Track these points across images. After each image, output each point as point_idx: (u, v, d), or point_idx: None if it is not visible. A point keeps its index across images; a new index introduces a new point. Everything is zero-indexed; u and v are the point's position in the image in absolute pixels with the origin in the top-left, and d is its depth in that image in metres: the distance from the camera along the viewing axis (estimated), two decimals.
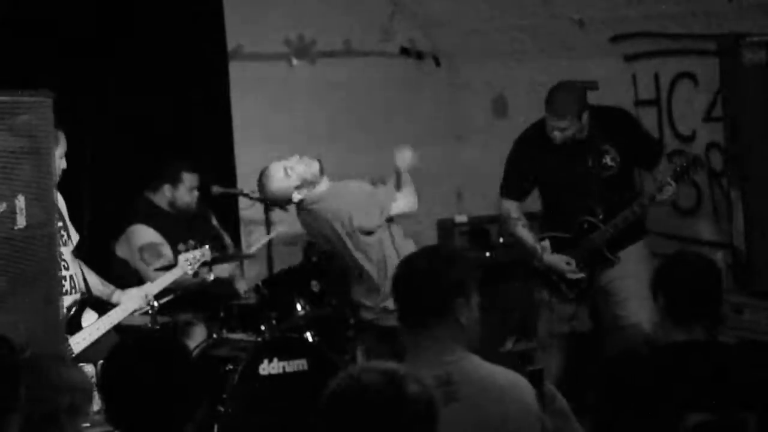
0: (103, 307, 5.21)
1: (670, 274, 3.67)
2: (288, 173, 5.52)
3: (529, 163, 5.97)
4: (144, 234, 6.20)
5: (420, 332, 3.10)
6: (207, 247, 5.69)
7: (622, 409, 2.99)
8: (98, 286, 5.29)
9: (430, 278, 3.11)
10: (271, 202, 5.75)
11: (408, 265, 3.21)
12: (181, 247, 5.93)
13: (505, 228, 6.26)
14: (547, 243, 5.91)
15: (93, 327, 5.01)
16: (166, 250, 6.12)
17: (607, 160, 5.83)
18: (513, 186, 6.04)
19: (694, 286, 3.60)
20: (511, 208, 6.02)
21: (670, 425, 3.20)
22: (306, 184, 5.54)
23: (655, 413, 3.06)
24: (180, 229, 6.17)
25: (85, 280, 5.12)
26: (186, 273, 5.55)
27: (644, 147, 5.97)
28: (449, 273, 3.11)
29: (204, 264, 5.91)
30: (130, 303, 5.22)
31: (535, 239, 5.94)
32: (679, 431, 3.18)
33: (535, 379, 3.08)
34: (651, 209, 5.96)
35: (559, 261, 5.86)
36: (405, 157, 5.62)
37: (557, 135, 5.79)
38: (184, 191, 6.36)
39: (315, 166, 5.56)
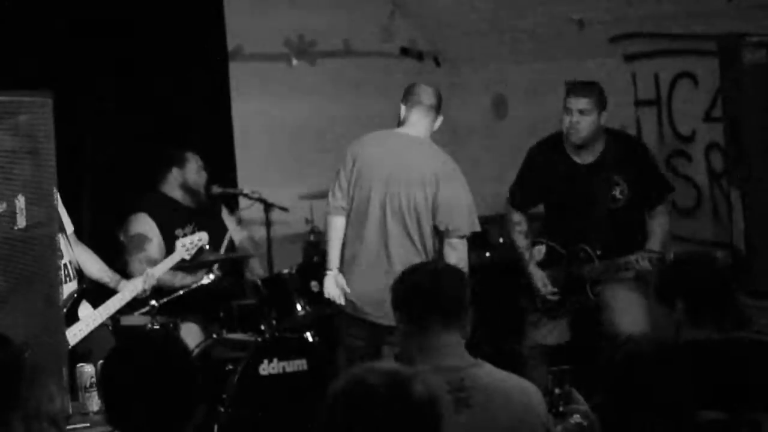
0: (99, 298, 5.28)
1: (686, 278, 3.62)
2: None
3: (539, 178, 5.83)
4: (141, 223, 6.19)
5: (437, 336, 3.08)
6: (205, 233, 5.79)
7: (632, 409, 2.98)
8: (103, 273, 5.39)
9: (457, 280, 3.13)
10: None
11: (427, 265, 3.16)
12: (179, 232, 6.00)
13: (507, 230, 6.21)
14: (542, 248, 5.86)
15: (89, 318, 5.08)
16: (151, 248, 6.12)
17: (616, 192, 5.68)
18: (520, 198, 5.93)
19: (713, 286, 3.56)
20: (515, 214, 5.96)
21: (682, 423, 3.19)
22: None
23: (667, 411, 3.05)
24: (186, 219, 6.19)
25: (80, 270, 5.16)
26: (183, 258, 5.64)
27: (653, 185, 5.78)
28: (466, 278, 3.13)
29: (203, 265, 5.93)
30: (126, 292, 5.32)
31: (527, 246, 5.86)
32: (690, 430, 3.16)
33: (558, 378, 3.07)
34: None
35: (537, 278, 5.80)
36: None
37: (572, 119, 5.61)
38: (192, 171, 6.36)
39: None
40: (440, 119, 5.46)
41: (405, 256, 5.17)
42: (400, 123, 5.42)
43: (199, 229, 6.02)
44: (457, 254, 5.28)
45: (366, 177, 5.28)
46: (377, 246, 5.27)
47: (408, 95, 5.42)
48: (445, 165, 5.36)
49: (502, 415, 2.99)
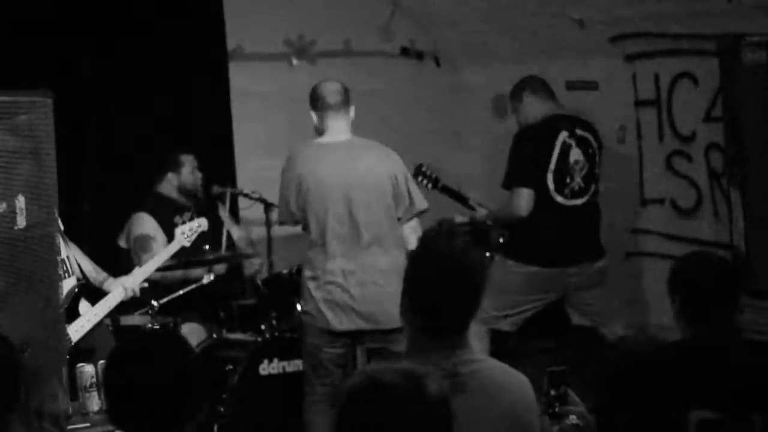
0: (96, 295, 5.31)
1: (687, 275, 3.62)
2: None
3: None
4: (143, 223, 6.24)
5: (446, 331, 3.02)
6: (204, 219, 5.80)
7: (627, 409, 2.97)
8: (92, 272, 5.41)
9: (479, 270, 3.02)
10: None
11: (450, 262, 3.00)
12: (177, 219, 6.01)
13: None
14: None
15: (91, 313, 5.10)
16: (157, 246, 6.13)
17: None
18: None
19: (712, 286, 3.56)
20: None
21: (676, 423, 3.19)
22: None
23: (661, 411, 3.05)
24: (184, 210, 6.20)
25: (78, 265, 5.18)
26: (183, 246, 5.65)
27: None
28: (488, 267, 3.01)
29: (203, 262, 5.94)
30: (128, 283, 5.35)
31: None
32: (684, 429, 3.15)
33: (555, 379, 3.04)
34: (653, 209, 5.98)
35: None
36: None
37: None
38: (187, 173, 6.43)
39: None
40: (353, 109, 5.45)
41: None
42: (318, 130, 5.39)
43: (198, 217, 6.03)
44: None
45: (319, 199, 5.23)
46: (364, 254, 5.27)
47: (314, 101, 5.38)
48: (395, 160, 5.45)
49: (496, 402, 2.97)
